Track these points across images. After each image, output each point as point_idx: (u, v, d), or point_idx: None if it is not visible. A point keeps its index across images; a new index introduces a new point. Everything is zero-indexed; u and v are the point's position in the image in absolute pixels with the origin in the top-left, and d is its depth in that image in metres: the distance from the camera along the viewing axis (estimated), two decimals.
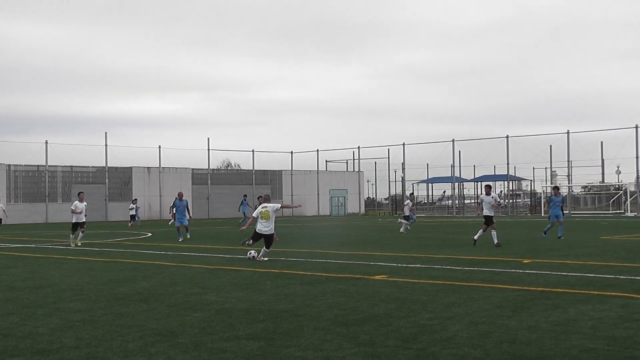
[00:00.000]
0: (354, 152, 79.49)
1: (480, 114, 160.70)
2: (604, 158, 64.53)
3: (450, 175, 72.45)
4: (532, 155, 77.81)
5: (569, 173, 64.91)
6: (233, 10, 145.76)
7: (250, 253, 18.02)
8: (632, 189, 62.00)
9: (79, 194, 26.82)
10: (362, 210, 79.45)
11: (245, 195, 48.58)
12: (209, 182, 68.64)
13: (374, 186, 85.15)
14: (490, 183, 31.62)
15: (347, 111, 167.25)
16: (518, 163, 70.82)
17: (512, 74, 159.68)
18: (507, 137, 66.66)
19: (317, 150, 79.22)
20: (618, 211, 61.99)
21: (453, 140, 70.78)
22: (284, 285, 12.93)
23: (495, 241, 21.53)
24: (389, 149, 75.36)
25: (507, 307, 9.95)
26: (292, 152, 78.33)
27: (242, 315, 9.66)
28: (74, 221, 25.92)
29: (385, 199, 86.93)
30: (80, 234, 26.09)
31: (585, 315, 9.18)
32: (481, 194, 25.85)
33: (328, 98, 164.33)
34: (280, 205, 19.04)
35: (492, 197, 22.23)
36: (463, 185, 77.73)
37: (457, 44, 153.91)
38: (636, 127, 59.71)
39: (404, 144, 73.84)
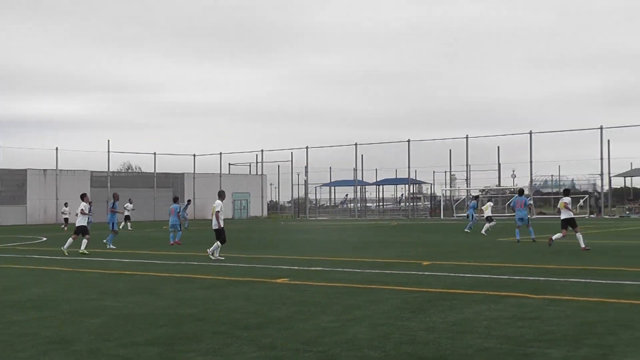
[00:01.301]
0: (257, 155, 79.34)
1: (382, 118, 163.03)
2: (500, 162, 66.54)
3: (352, 179, 73.24)
4: (433, 159, 79.62)
5: (467, 177, 66.68)
6: (135, 10, 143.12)
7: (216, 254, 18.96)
8: (526, 192, 64.15)
9: None
10: (265, 213, 79.34)
11: (189, 200, 50.07)
12: (109, 185, 67.02)
13: (277, 189, 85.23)
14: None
15: (251, 114, 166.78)
16: (419, 167, 72.19)
17: (414, 79, 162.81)
18: (409, 141, 67.90)
19: (220, 153, 78.68)
20: (513, 214, 63.98)
21: (356, 144, 71.59)
22: (184, 289, 12.76)
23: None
24: (292, 152, 75.58)
25: (406, 308, 10.11)
26: (194, 155, 77.54)
27: (141, 320, 9.48)
28: None
29: (288, 202, 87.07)
30: None
31: (480, 315, 9.42)
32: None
33: (232, 100, 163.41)
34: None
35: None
36: (365, 188, 78.65)
37: (359, 49, 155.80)
38: (530, 133, 61.86)
39: (307, 148, 74.19)
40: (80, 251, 21.80)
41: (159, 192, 68.92)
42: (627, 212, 58.33)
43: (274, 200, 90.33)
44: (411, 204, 74.56)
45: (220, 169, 77.74)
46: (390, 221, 57.64)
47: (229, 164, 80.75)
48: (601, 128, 59.16)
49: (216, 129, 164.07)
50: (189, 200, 51.68)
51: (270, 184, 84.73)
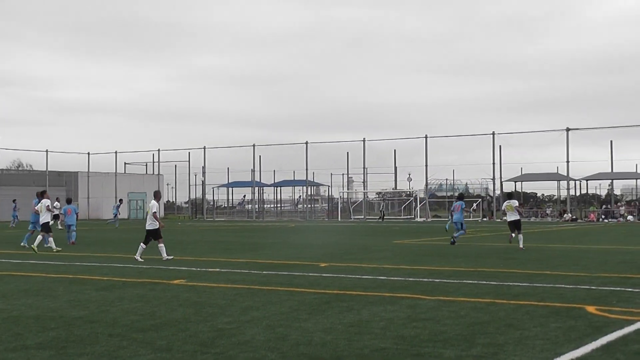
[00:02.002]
0: (153, 154, 78.08)
1: (280, 119, 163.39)
2: (396, 166, 67.77)
3: (250, 180, 73.05)
4: (330, 162, 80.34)
5: (364, 179, 67.58)
6: (27, 2, 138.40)
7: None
8: (422, 195, 65.58)
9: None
10: (162, 213, 78.12)
11: (120, 200, 51.36)
12: None
13: (174, 189, 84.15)
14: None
15: (148, 113, 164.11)
16: (317, 169, 72.78)
17: (313, 81, 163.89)
18: (307, 143, 68.29)
19: (116, 152, 77.08)
20: (409, 216, 65.30)
21: (254, 145, 71.47)
22: (78, 291, 12.42)
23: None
24: (189, 152, 74.77)
25: (304, 310, 10.16)
26: (89, 153, 75.67)
27: (32, 323, 9.16)
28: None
29: (185, 203, 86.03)
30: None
31: (377, 316, 9.56)
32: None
33: (128, 98, 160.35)
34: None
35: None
36: (263, 189, 78.55)
37: (258, 49, 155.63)
38: (425, 137, 63.26)
39: (204, 148, 73.55)
40: (33, 246, 22.10)
41: (52, 190, 66.75)
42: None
43: (171, 200, 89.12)
44: (309, 205, 74.98)
45: (115, 168, 76.17)
46: (288, 223, 57.78)
47: (125, 163, 79.22)
48: (493, 134, 61.08)
49: (112, 127, 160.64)
50: (120, 200, 51.41)
51: (167, 184, 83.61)
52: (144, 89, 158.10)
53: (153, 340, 8.05)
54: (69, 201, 28.58)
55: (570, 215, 57.04)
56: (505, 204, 24.29)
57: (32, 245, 22.23)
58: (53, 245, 22.72)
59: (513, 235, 23.34)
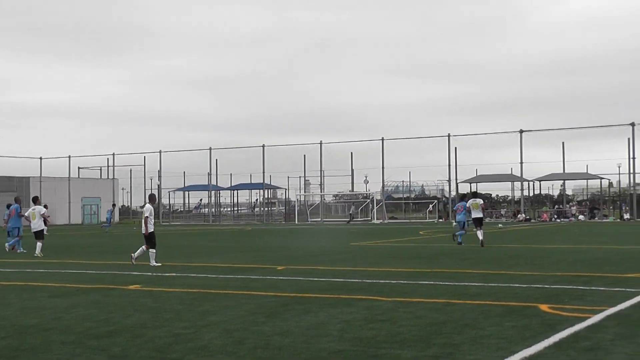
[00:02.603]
0: (108, 158, 77.25)
1: (237, 122, 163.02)
2: (353, 168, 68.01)
3: (207, 183, 72.65)
4: (287, 164, 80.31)
5: (321, 182, 67.67)
6: None
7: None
8: (378, 197, 65.90)
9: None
10: (117, 218, 77.30)
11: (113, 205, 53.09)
12: None
13: (129, 194, 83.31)
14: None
15: (102, 116, 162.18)
16: (273, 172, 72.75)
17: (269, 84, 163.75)
18: (263, 146, 68.20)
19: (69, 157, 76.06)
20: (366, 218, 65.58)
21: (210, 149, 71.16)
22: (30, 298, 12.21)
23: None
24: (145, 156, 74.19)
25: (261, 313, 10.13)
26: (41, 158, 74.63)
27: None
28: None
29: (141, 207, 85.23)
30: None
31: (334, 318, 9.57)
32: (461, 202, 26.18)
33: (82, 102, 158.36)
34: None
35: None
36: (220, 193, 78.26)
37: (215, 52, 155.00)
38: (382, 139, 63.63)
39: (160, 152, 73.06)
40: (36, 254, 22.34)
41: (2, 196, 65.58)
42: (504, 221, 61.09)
43: (126, 205, 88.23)
44: (266, 208, 74.86)
45: (69, 172, 75.12)
46: (245, 226, 57.60)
47: (79, 168, 78.19)
48: (449, 136, 61.71)
49: (65, 131, 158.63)
50: (113, 204, 51.65)
51: (122, 189, 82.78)
52: (98, 92, 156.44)
53: (108, 347, 7.95)
54: (16, 200, 27.40)
55: (524, 215, 57.83)
56: (470, 202, 25.61)
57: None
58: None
59: (480, 233, 24.40)
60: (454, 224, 30.06)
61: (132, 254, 18.73)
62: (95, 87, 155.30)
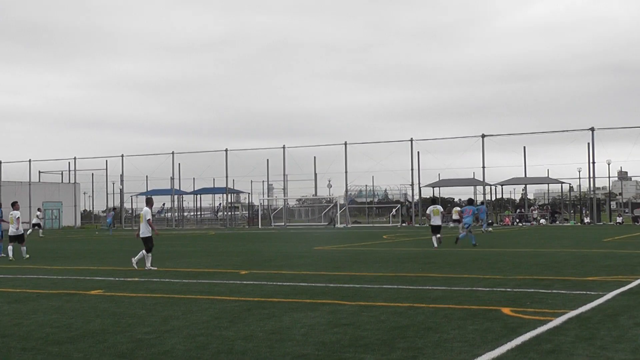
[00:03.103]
0: (69, 162, 76.39)
1: (200, 126, 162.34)
2: (316, 172, 68.05)
3: (170, 188, 72.17)
4: (250, 169, 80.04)
5: (284, 186, 67.62)
6: None
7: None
8: (342, 201, 66.01)
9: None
10: (79, 223, 76.46)
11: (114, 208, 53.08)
12: None
13: (91, 198, 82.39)
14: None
15: (62, 120, 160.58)
16: (237, 176, 72.45)
17: (231, 88, 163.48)
18: (226, 150, 67.97)
19: (30, 161, 75.07)
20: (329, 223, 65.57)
21: (173, 153, 70.71)
22: None
23: None
24: (107, 160, 73.51)
25: (224, 318, 10.08)
26: (0, 162, 73.39)
27: None
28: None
29: (103, 212, 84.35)
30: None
31: (298, 322, 9.56)
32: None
33: (41, 106, 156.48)
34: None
35: None
36: (183, 197, 77.76)
37: (176, 56, 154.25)
38: (345, 143, 63.80)
39: (122, 156, 72.39)
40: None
41: None
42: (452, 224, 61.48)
43: (88, 209, 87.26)
44: (229, 213, 74.56)
45: (29, 176, 74.13)
46: (208, 231, 57.31)
47: (39, 172, 77.16)
48: (411, 140, 62.06)
49: (25, 135, 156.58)
50: (114, 208, 52.10)
51: (84, 193, 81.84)
52: (59, 95, 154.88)
53: (69, 352, 7.84)
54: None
55: (543, 221, 58.29)
56: (431, 208, 26.75)
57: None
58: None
59: (439, 236, 25.80)
60: (450, 225, 30.47)
61: (132, 259, 18.61)
62: (56, 91, 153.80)
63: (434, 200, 30.74)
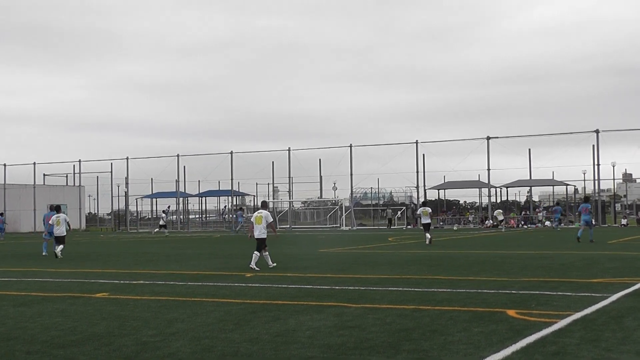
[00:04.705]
0: (74, 165, 76.38)
1: (205, 129, 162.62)
2: (322, 175, 67.95)
3: (175, 190, 72.22)
4: (256, 171, 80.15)
5: (290, 189, 67.56)
6: None
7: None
8: (347, 204, 65.95)
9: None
10: (83, 226, 76.53)
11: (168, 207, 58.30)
12: None
13: (96, 201, 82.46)
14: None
15: (67, 122, 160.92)
16: (242, 178, 72.43)
17: (237, 90, 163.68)
18: (232, 152, 67.95)
19: (34, 163, 75.12)
20: (334, 225, 65.57)
21: (178, 155, 70.72)
22: None
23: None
24: (112, 163, 73.54)
25: (230, 320, 10.08)
26: (5, 165, 73.57)
27: None
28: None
29: (108, 215, 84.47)
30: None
31: (303, 325, 9.55)
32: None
33: (46, 108, 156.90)
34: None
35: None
36: (188, 200, 77.77)
37: (183, 58, 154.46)
38: (350, 145, 63.73)
39: (127, 158, 72.46)
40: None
41: None
42: (441, 223, 61.38)
43: (93, 212, 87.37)
44: (234, 215, 74.54)
45: (34, 179, 74.22)
46: (213, 233, 57.32)
47: (44, 175, 77.28)
48: (417, 142, 61.99)
49: (29, 137, 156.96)
50: (168, 206, 53.97)
51: (89, 196, 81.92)
52: (63, 97, 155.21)
53: (74, 356, 7.85)
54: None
55: (491, 221, 58.26)
56: (421, 209, 30.76)
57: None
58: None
59: (428, 235, 29.63)
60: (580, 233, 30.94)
61: (251, 264, 18.75)
62: (60, 93, 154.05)
63: (424, 203, 35.17)
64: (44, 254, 26.30)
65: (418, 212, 31.29)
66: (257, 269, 18.33)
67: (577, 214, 37.29)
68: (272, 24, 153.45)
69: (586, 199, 32.65)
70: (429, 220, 30.26)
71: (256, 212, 19.48)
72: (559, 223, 48.43)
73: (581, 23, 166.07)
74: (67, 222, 25.84)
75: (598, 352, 7.50)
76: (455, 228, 54.37)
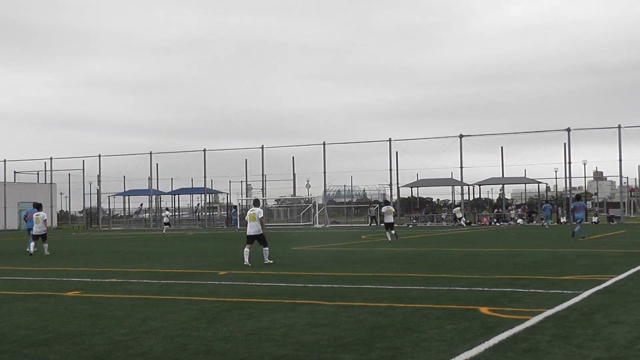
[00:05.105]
0: (45, 163, 75.69)
1: (178, 126, 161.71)
2: (295, 172, 67.96)
3: (147, 188, 71.80)
4: (229, 169, 79.78)
5: (263, 186, 67.47)
6: None
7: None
8: (320, 202, 65.99)
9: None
10: (55, 224, 75.79)
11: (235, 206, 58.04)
12: None
13: (68, 199, 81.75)
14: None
15: (38, 120, 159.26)
16: (215, 176, 72.15)
17: (209, 88, 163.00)
18: (205, 150, 67.71)
19: (5, 161, 74.36)
20: (308, 223, 65.60)
21: (150, 153, 70.33)
22: None
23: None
24: (84, 160, 72.97)
25: (203, 318, 10.04)
26: None
27: None
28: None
29: (80, 212, 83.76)
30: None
31: (277, 323, 9.54)
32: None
33: (15, 105, 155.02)
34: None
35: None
36: (161, 198, 77.35)
37: (154, 55, 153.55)
38: (324, 143, 63.80)
39: (99, 156, 71.91)
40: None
41: None
42: (414, 221, 61.61)
43: (65, 210, 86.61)
44: (207, 213, 74.29)
45: (4, 177, 73.43)
46: (186, 231, 57.09)
47: (15, 172, 76.42)
48: (390, 140, 62.18)
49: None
50: (235, 206, 54.51)
51: (61, 193, 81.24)
52: (34, 95, 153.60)
53: (45, 355, 7.78)
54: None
55: (464, 219, 58.62)
56: (385, 208, 31.76)
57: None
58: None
59: (392, 232, 30.55)
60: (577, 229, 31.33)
61: (266, 261, 19.32)
62: (24, 91, 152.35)
63: (386, 202, 36.21)
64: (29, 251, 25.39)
65: (382, 210, 32.01)
66: (249, 264, 18.87)
67: (570, 211, 39.20)
68: (245, 22, 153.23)
69: (578, 197, 33.89)
70: (392, 220, 31.28)
71: (249, 210, 20.03)
72: (548, 220, 49.57)
73: (551, 22, 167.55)
74: (44, 221, 26.04)
75: (569, 349, 7.58)
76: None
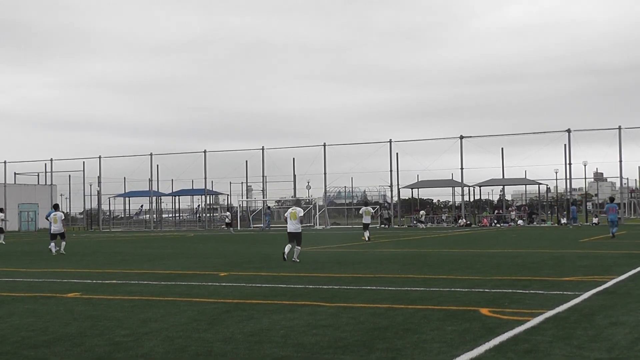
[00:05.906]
0: (46, 164, 75.75)
1: (178, 128, 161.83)
2: (295, 174, 67.96)
3: (148, 189, 71.81)
4: (229, 170, 79.85)
5: (263, 188, 67.48)
6: None
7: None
8: (321, 203, 66.02)
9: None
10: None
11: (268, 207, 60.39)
12: None
13: (68, 200, 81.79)
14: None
15: (38, 121, 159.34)
16: (215, 177, 72.23)
17: (210, 89, 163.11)
18: (205, 151, 67.75)
19: (5, 162, 74.38)
20: (308, 224, 65.59)
21: (151, 154, 70.39)
22: None
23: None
24: (84, 162, 73.04)
25: (203, 320, 10.04)
26: None
27: None
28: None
29: (80, 214, 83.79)
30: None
31: (277, 324, 9.54)
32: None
33: (16, 106, 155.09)
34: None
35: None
36: (161, 199, 77.40)
37: (154, 56, 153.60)
38: (324, 145, 63.85)
39: (100, 157, 71.97)
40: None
41: None
42: (415, 222, 61.61)
43: (65, 211, 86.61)
44: (208, 214, 74.31)
45: (5, 178, 73.46)
46: (187, 232, 57.09)
47: (15, 173, 76.46)
48: (390, 141, 62.21)
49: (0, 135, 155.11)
50: (268, 207, 55.88)
51: (61, 195, 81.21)
52: (34, 96, 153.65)
53: (45, 356, 7.77)
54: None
55: (464, 220, 58.63)
56: (364, 209, 33.41)
57: None
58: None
59: (367, 233, 31.71)
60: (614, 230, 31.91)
61: (295, 258, 20.18)
62: (25, 92, 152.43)
63: (365, 203, 39.50)
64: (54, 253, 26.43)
65: (360, 212, 33.89)
66: (297, 260, 20.02)
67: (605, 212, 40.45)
68: (245, 22, 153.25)
69: (611, 199, 34.94)
70: (369, 221, 32.65)
71: (290, 209, 21.24)
72: (577, 221, 51.93)
73: (552, 23, 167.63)
74: (62, 220, 27.42)
75: (570, 350, 7.57)
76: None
